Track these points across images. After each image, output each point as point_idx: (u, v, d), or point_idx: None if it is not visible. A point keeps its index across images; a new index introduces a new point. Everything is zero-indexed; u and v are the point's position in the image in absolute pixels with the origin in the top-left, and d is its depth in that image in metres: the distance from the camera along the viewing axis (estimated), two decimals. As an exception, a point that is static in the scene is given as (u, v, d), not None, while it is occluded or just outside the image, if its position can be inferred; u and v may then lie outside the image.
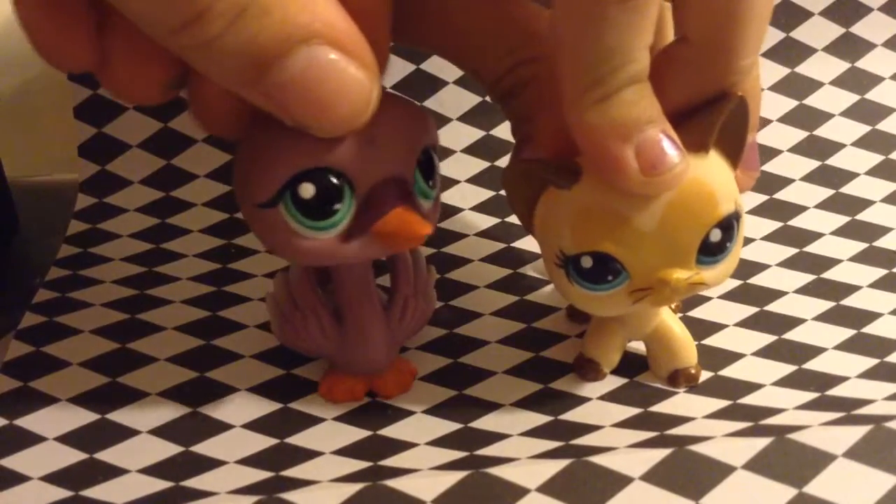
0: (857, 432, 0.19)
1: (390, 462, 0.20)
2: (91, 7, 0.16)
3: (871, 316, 0.25)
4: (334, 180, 0.18)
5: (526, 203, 0.20)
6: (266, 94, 0.16)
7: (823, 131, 0.34)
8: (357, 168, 0.18)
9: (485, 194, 0.32)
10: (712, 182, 0.18)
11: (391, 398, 0.22)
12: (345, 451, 0.20)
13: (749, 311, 0.26)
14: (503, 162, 0.33)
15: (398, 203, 0.18)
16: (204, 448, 0.21)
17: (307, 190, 0.18)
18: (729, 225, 0.18)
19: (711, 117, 0.18)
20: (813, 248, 0.29)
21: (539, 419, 0.21)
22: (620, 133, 0.17)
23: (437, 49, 0.21)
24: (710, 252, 0.19)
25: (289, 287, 0.22)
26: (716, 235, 0.18)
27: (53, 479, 0.20)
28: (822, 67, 0.35)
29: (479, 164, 0.33)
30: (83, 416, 0.22)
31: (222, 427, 0.21)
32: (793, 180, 0.32)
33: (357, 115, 0.16)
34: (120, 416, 0.22)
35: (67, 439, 0.21)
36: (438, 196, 0.20)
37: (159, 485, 0.19)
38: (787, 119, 0.34)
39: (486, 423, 0.21)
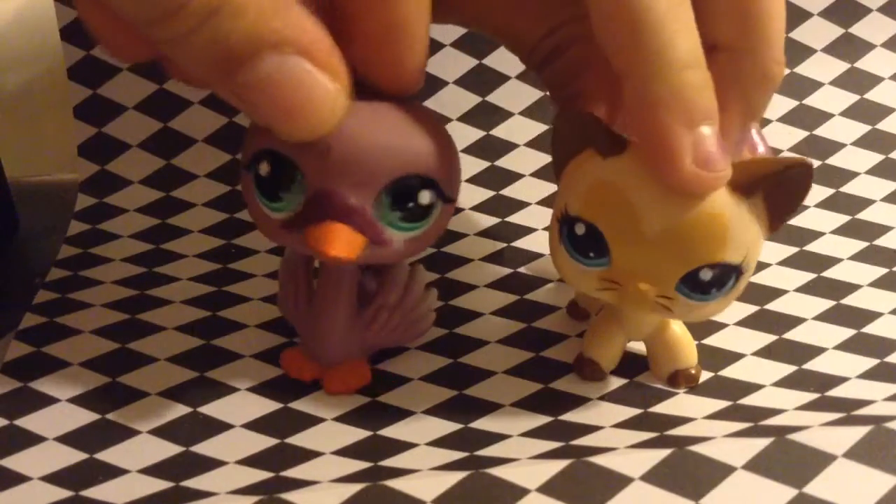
0: (857, 433, 0.19)
1: (390, 462, 0.20)
2: None
3: (872, 316, 0.25)
4: (287, 169, 0.19)
5: (566, 151, 0.19)
6: (234, 93, 0.16)
7: (823, 131, 0.34)
8: (310, 167, 0.18)
9: (485, 194, 0.32)
10: (731, 226, 0.18)
11: (330, 393, 0.22)
12: (345, 452, 0.20)
13: (749, 310, 0.26)
14: (503, 162, 0.33)
15: (333, 218, 0.18)
16: (204, 448, 0.21)
17: (263, 168, 0.19)
18: (724, 274, 0.18)
19: (766, 166, 0.17)
20: (813, 248, 0.29)
21: (539, 419, 0.21)
22: (684, 117, 0.17)
23: (470, 21, 0.21)
24: (693, 287, 0.18)
25: (288, 255, 0.23)
26: (705, 274, 0.18)
27: (53, 479, 0.20)
28: (822, 68, 0.35)
29: (479, 164, 0.33)
30: (83, 416, 0.22)
31: (222, 427, 0.21)
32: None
33: (320, 124, 0.17)
34: (120, 416, 0.22)
35: (67, 439, 0.21)
36: (437, 226, 0.20)
37: (159, 485, 0.19)
38: (786, 119, 0.34)
39: (486, 423, 0.21)
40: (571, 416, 0.22)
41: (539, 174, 0.32)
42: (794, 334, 0.25)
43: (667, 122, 0.17)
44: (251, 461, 0.20)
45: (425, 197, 0.19)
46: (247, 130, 0.20)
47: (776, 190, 0.18)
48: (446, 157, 0.19)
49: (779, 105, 0.34)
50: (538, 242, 0.29)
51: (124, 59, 0.18)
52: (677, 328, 0.22)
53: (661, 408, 0.22)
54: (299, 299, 0.23)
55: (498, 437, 0.21)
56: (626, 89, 0.17)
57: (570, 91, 0.21)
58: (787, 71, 0.34)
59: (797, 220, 0.30)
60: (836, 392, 0.22)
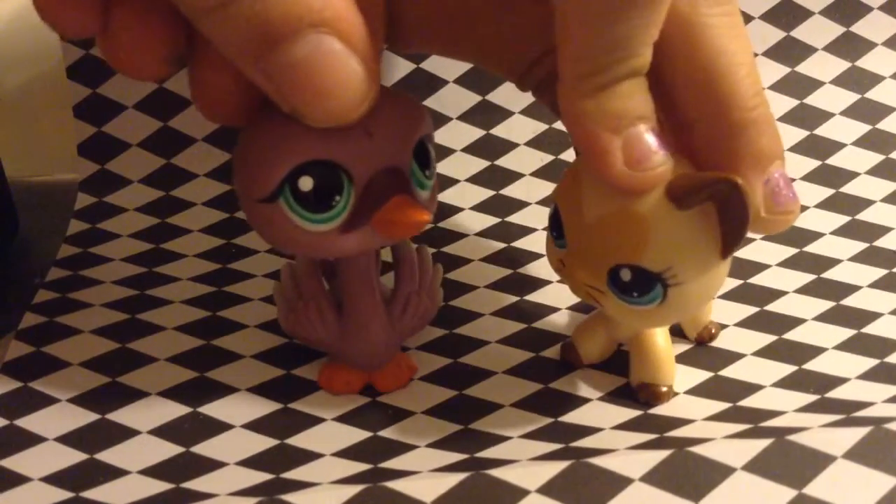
0: (856, 434, 0.19)
1: (390, 464, 0.20)
2: None
3: (871, 316, 0.25)
4: (333, 173, 0.18)
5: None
6: (267, 74, 0.16)
7: (824, 130, 0.34)
8: (355, 160, 0.18)
9: (485, 193, 0.32)
10: (657, 232, 0.17)
11: (388, 392, 0.22)
12: (345, 453, 0.20)
13: (749, 311, 0.26)
14: (503, 161, 0.33)
15: (397, 192, 0.19)
16: (204, 448, 0.21)
17: (306, 183, 0.18)
18: (644, 280, 0.18)
19: (697, 180, 0.17)
20: (813, 248, 0.29)
21: (539, 420, 0.21)
22: (611, 124, 0.17)
23: (458, 52, 0.21)
24: (615, 284, 0.18)
25: (295, 277, 0.23)
26: (625, 274, 0.18)
27: (54, 479, 0.20)
28: (823, 66, 0.35)
29: (479, 164, 0.33)
30: (83, 416, 0.22)
31: (222, 427, 0.21)
32: (793, 180, 0.32)
33: (352, 108, 0.17)
34: (120, 416, 0.22)
35: (67, 439, 0.21)
36: (435, 186, 0.21)
37: (159, 486, 0.19)
38: (787, 118, 0.34)
39: (486, 424, 0.21)
40: (571, 418, 0.22)
41: (539, 174, 0.32)
42: (794, 335, 0.25)
43: (593, 131, 0.17)
44: (251, 462, 0.20)
45: (432, 150, 0.20)
46: (247, 166, 0.19)
47: (724, 210, 0.17)
48: (429, 116, 0.21)
49: (779, 104, 0.34)
50: (538, 242, 0.29)
51: (68, 31, 0.17)
52: (661, 341, 0.22)
53: (661, 409, 0.22)
54: (325, 314, 0.22)
55: (498, 439, 0.21)
56: (558, 94, 0.17)
57: None
58: (787, 70, 0.34)
59: (797, 221, 0.30)
60: (835, 393, 0.22)
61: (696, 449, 0.19)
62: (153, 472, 0.20)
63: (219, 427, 0.21)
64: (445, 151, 0.33)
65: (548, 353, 0.24)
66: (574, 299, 0.26)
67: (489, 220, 0.31)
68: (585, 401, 0.22)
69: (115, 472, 0.20)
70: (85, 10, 0.16)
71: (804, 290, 0.27)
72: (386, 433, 0.21)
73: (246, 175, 0.19)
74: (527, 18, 0.19)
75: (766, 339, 0.24)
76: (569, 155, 0.33)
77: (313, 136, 0.18)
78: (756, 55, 0.34)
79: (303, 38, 0.15)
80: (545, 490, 0.18)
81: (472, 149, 0.33)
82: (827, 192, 0.31)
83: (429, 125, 0.20)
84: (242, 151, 0.19)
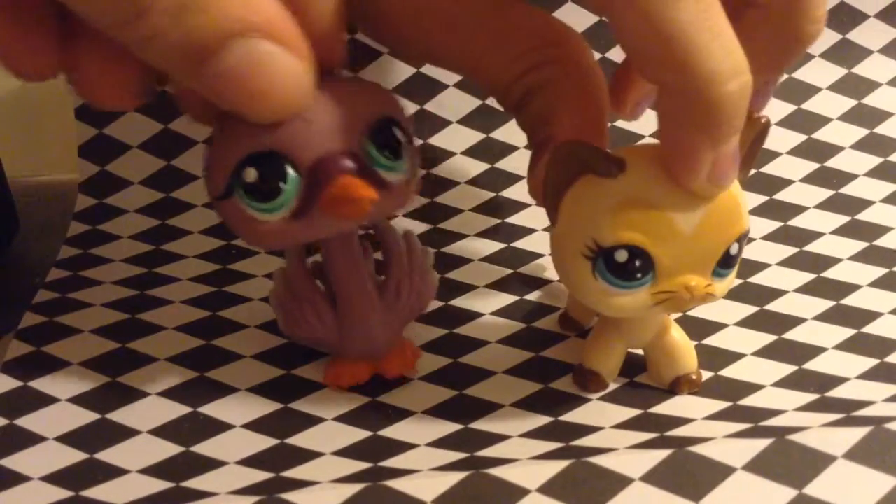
0: (857, 433, 0.19)
1: (390, 462, 0.20)
2: (55, 12, 0.16)
3: (871, 316, 0.25)
4: (275, 162, 0.19)
5: (557, 187, 0.19)
6: (204, 84, 0.16)
7: (822, 134, 0.34)
8: (296, 147, 0.18)
9: (485, 195, 0.32)
10: (739, 197, 0.19)
11: (395, 377, 0.23)
12: (345, 452, 0.20)
13: (749, 310, 0.26)
14: (503, 164, 0.33)
15: (340, 173, 0.19)
16: (204, 448, 0.21)
17: (250, 174, 0.19)
18: (745, 239, 0.19)
19: (750, 132, 0.18)
20: (813, 248, 0.29)
21: (539, 420, 0.21)
22: (716, 135, 0.16)
23: (444, 61, 0.21)
24: (727, 264, 0.19)
25: (287, 281, 0.23)
26: (734, 248, 0.19)
27: (53, 479, 0.20)
28: (820, 73, 0.35)
29: (479, 166, 0.33)
30: (83, 416, 0.22)
31: (222, 427, 0.21)
32: (792, 181, 0.32)
33: (293, 102, 0.17)
34: (120, 416, 0.22)
35: (67, 439, 0.21)
36: (413, 167, 0.20)
37: (159, 485, 0.19)
38: (785, 122, 0.34)
39: (486, 423, 0.21)
40: (571, 417, 0.22)
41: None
42: (794, 334, 0.25)
43: (696, 141, 0.17)
44: (251, 461, 0.20)
45: (398, 133, 0.20)
46: (207, 167, 0.20)
47: (756, 143, 0.19)
48: (397, 101, 0.21)
49: (777, 109, 0.34)
50: (538, 243, 0.30)
51: (25, 75, 0.17)
52: (676, 334, 0.22)
53: (661, 408, 0.22)
54: (320, 311, 0.22)
55: (498, 438, 0.21)
56: (662, 100, 0.17)
57: (541, 136, 0.20)
58: (784, 76, 0.34)
59: (797, 221, 0.30)
60: (836, 392, 0.22)
61: (697, 448, 0.19)
62: (153, 471, 0.20)
63: (219, 427, 0.21)
64: (446, 154, 0.33)
65: (547, 353, 0.24)
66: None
67: (489, 221, 0.31)
68: (585, 400, 0.22)
69: (114, 472, 0.20)
70: (44, 52, 0.17)
71: (804, 289, 0.27)
72: (386, 432, 0.21)
73: (206, 178, 0.20)
74: (513, 29, 0.19)
75: (767, 338, 0.24)
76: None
77: (253, 128, 0.18)
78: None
79: (232, 49, 0.16)
80: (545, 489, 0.18)
81: (472, 151, 0.33)
82: (826, 192, 0.32)
83: (391, 106, 0.20)
84: (205, 155, 0.20)
